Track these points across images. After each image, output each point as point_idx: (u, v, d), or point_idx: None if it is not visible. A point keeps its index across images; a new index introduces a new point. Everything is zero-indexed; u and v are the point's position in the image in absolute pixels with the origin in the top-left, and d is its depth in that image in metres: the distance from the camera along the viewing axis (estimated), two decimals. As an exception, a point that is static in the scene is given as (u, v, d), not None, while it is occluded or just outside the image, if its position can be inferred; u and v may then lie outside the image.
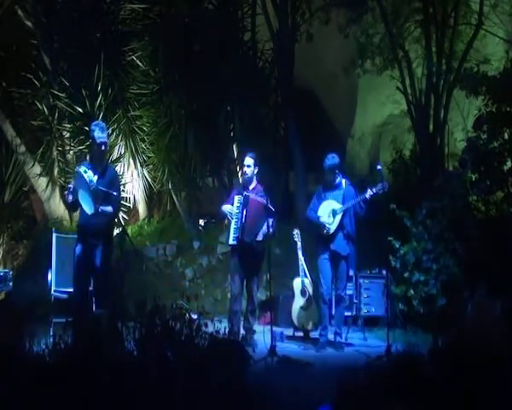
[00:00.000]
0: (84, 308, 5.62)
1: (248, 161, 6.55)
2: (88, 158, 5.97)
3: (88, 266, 5.67)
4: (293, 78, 10.29)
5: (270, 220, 6.27)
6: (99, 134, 5.67)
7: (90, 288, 5.84)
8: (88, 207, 5.53)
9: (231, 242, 6.43)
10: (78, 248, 5.72)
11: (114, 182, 5.84)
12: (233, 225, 6.42)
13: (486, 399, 3.53)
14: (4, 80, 9.92)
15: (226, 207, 6.53)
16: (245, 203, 6.39)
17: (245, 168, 6.58)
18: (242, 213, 6.37)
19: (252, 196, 6.42)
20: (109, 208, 5.64)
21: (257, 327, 6.72)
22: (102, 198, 5.58)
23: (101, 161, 5.83)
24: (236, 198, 6.50)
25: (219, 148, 9.79)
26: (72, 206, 5.96)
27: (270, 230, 6.25)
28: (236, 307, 6.45)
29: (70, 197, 5.65)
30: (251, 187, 6.54)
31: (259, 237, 6.34)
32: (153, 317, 4.06)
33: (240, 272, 6.45)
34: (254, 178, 6.58)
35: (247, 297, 6.61)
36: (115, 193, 5.66)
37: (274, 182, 10.15)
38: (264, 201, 6.28)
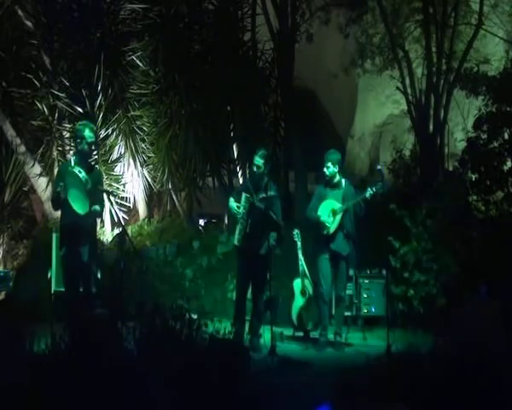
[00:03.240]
0: (78, 309, 5.59)
1: (259, 161, 6.14)
2: (74, 157, 5.86)
3: (77, 267, 5.65)
4: (293, 78, 10.29)
5: (274, 235, 6.10)
6: (89, 134, 5.67)
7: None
8: (81, 207, 5.46)
9: (236, 242, 6.30)
10: (65, 250, 5.67)
11: (100, 180, 5.87)
12: (239, 226, 6.24)
13: (486, 399, 3.53)
14: (4, 80, 9.92)
15: (233, 206, 6.22)
16: (250, 210, 6.15)
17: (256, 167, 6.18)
18: (247, 220, 6.15)
19: (257, 203, 6.14)
20: (97, 207, 5.63)
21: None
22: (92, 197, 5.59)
23: (88, 161, 5.84)
24: (244, 197, 6.21)
25: (219, 148, 9.79)
26: (58, 205, 5.77)
27: (273, 243, 6.08)
28: (241, 309, 6.36)
29: (62, 196, 5.41)
30: (263, 185, 6.21)
31: (262, 251, 6.14)
32: (153, 317, 4.06)
33: (245, 275, 6.31)
34: (265, 175, 6.23)
35: (252, 302, 6.47)
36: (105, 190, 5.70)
37: (274, 182, 10.18)
38: (270, 214, 6.08)
